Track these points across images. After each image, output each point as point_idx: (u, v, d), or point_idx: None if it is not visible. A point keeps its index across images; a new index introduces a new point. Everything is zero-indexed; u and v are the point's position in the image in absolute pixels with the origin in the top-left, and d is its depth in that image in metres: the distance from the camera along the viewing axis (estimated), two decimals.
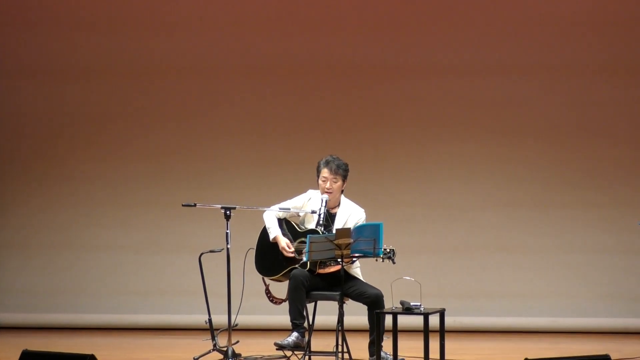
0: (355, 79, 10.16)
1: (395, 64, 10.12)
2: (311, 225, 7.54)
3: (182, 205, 7.68)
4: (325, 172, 7.51)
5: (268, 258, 7.51)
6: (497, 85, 10.07)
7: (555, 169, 10.03)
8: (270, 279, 7.57)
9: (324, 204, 7.45)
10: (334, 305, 7.14)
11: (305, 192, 7.65)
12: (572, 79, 10.00)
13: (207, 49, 10.26)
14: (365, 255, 7.01)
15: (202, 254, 7.72)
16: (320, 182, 7.54)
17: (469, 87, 10.08)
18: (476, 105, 10.09)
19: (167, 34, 10.29)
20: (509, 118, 10.07)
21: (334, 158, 7.54)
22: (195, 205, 7.62)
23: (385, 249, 7.02)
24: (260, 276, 7.57)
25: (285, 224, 7.59)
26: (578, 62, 9.98)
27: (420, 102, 10.14)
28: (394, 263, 7.06)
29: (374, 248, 6.93)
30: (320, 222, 7.45)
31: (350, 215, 7.55)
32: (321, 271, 7.40)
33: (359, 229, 7.03)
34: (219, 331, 7.60)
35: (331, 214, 7.56)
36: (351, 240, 6.88)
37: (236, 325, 7.57)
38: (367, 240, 6.94)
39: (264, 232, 7.58)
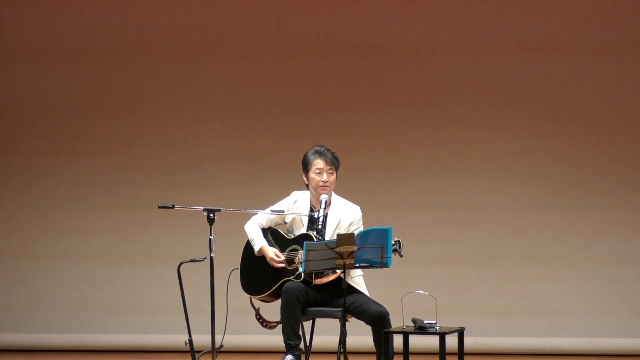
0: (359, 59, 10.17)
1: (402, 42, 10.13)
2: (301, 230, 7.52)
3: (158, 207, 7.64)
4: (319, 163, 7.52)
5: (256, 275, 7.53)
6: (527, 66, 10.04)
7: (594, 164, 10.02)
8: (259, 299, 7.55)
9: (323, 205, 7.46)
10: (335, 323, 7.14)
11: (290, 194, 7.68)
12: (618, 61, 9.96)
13: (184, 24, 10.29)
14: (371, 265, 6.97)
15: (181, 263, 7.65)
16: (312, 175, 7.53)
17: (492, 68, 10.09)
18: (502, 90, 10.09)
19: (133, 6, 10.29)
20: (541, 104, 10.04)
21: (324, 147, 7.57)
22: (173, 206, 7.55)
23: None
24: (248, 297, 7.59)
25: (271, 234, 7.61)
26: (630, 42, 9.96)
27: (434, 86, 10.14)
28: (401, 256, 7.07)
29: (382, 257, 6.88)
30: (319, 225, 7.45)
31: (343, 213, 7.55)
32: (318, 282, 7.34)
33: (365, 234, 6.98)
34: (201, 353, 7.59)
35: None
36: (355, 248, 6.85)
37: (221, 346, 7.56)
38: (373, 247, 6.88)
39: (248, 247, 7.61)
